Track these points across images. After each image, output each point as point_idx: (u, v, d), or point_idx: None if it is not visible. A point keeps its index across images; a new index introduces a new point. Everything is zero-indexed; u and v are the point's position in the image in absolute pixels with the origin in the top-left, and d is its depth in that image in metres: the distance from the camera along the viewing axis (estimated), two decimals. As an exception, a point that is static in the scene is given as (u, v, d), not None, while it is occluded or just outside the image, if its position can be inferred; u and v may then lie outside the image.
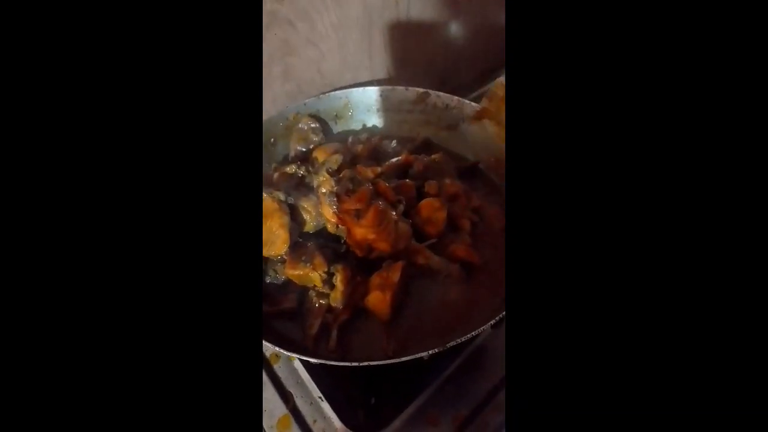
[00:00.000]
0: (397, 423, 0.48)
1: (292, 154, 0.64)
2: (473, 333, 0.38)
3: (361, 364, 0.40)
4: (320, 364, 0.47)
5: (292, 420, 0.50)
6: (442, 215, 0.51)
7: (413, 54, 0.80)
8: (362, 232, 0.47)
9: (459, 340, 0.38)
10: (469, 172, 0.61)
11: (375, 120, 0.68)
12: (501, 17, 0.88)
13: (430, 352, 0.37)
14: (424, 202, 0.51)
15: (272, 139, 0.64)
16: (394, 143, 0.61)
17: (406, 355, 0.37)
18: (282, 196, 0.52)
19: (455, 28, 0.83)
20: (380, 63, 0.77)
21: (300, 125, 0.64)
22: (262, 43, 0.60)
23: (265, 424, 0.50)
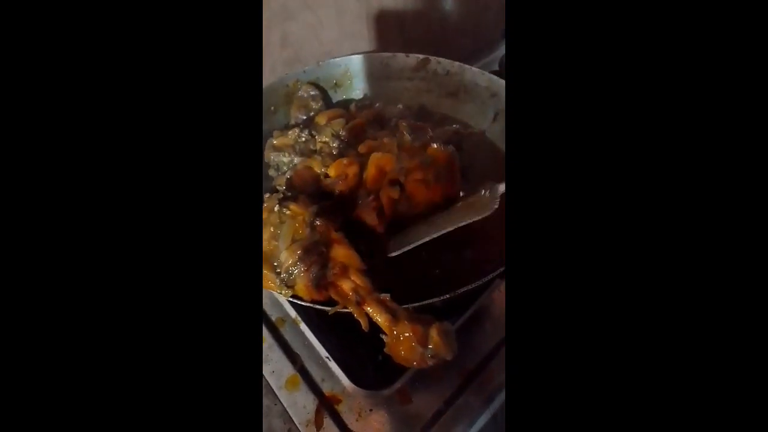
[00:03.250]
0: (403, 379, 0.48)
1: (292, 121, 0.64)
2: (484, 279, 0.39)
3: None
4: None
5: (300, 379, 0.50)
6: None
7: (410, 25, 0.80)
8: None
9: (470, 286, 0.39)
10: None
11: (375, 88, 0.68)
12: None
13: (442, 297, 0.38)
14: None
15: (272, 107, 0.63)
16: (400, 106, 0.61)
17: (418, 301, 0.38)
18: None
19: (452, 0, 0.83)
20: (378, 33, 0.77)
21: (300, 93, 0.64)
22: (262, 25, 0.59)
23: (274, 384, 0.50)
